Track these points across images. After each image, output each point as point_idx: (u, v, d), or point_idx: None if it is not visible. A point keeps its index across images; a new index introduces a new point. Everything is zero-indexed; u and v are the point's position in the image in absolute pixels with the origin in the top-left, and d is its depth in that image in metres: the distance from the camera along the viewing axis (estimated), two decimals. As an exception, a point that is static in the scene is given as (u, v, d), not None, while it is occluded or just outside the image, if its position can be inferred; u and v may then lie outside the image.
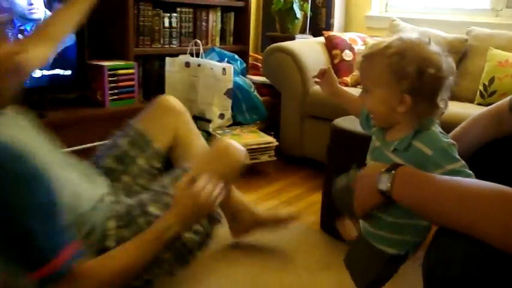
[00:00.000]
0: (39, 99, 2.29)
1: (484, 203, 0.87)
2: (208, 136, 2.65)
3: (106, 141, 1.69)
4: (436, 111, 1.10)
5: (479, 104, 2.55)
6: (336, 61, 2.99)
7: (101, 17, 2.71)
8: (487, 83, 2.59)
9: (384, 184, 1.03)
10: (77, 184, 1.32)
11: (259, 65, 3.42)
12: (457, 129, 1.41)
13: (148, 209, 1.39)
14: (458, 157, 1.05)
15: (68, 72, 2.40)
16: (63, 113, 2.37)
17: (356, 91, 2.68)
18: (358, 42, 3.11)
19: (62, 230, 1.09)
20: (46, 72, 2.30)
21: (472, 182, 0.96)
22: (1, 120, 1.19)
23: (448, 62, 1.08)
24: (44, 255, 1.04)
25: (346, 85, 2.91)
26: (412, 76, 1.04)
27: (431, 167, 1.04)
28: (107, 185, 1.48)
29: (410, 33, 1.17)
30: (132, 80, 2.63)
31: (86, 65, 2.50)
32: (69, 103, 2.52)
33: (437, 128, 1.10)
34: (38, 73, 2.27)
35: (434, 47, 1.09)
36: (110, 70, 2.51)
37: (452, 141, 1.08)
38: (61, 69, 2.37)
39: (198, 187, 1.30)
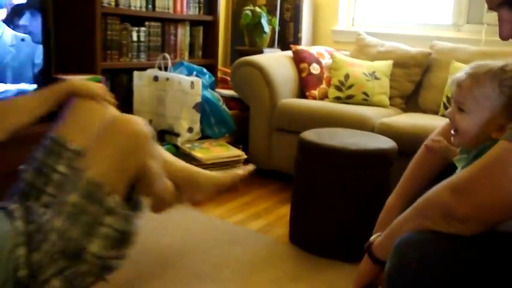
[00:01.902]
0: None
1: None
2: (177, 150, 2.64)
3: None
4: None
5: (443, 116, 2.62)
6: (304, 74, 3.02)
7: (68, 30, 2.69)
8: (449, 95, 2.66)
9: None
10: None
11: (228, 78, 3.43)
12: (406, 174, 1.43)
13: (54, 223, 1.25)
14: None
15: (34, 87, 2.37)
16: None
17: (322, 104, 2.73)
18: (325, 56, 3.15)
19: None
20: (10, 87, 2.27)
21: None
22: None
23: None
24: None
25: (314, 98, 2.95)
26: None
27: None
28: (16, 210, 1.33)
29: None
30: (99, 94, 2.60)
31: (52, 79, 2.47)
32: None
33: None
34: (1, 87, 2.23)
35: None
36: (76, 84, 2.48)
37: None
38: (26, 83, 2.33)
39: None
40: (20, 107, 1.45)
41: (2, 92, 2.24)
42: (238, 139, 2.99)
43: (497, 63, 1.07)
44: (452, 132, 1.16)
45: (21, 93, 2.31)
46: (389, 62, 2.97)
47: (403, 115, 2.74)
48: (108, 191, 1.28)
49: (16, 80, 2.29)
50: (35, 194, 1.42)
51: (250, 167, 1.94)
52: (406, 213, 1.08)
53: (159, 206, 1.66)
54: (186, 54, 3.37)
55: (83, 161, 1.32)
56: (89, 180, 1.26)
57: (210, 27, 3.49)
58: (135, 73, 2.86)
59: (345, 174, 1.91)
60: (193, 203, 1.84)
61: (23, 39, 2.29)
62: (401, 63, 2.96)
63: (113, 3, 2.80)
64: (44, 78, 2.40)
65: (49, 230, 1.25)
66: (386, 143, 2.03)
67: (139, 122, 1.38)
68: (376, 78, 2.90)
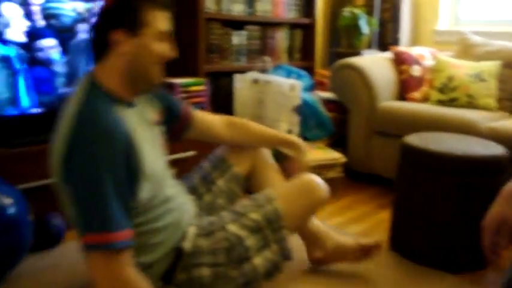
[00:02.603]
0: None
1: None
2: (277, 152, 2.68)
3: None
4: None
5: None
6: (404, 76, 2.95)
7: (174, 35, 2.82)
8: None
9: None
10: (179, 195, 1.52)
11: (326, 81, 3.44)
12: None
13: (228, 226, 1.48)
14: None
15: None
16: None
17: (425, 107, 2.65)
18: (426, 57, 3.06)
19: (127, 215, 1.23)
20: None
21: None
22: (131, 112, 1.34)
23: None
24: (101, 224, 1.17)
25: (415, 101, 2.87)
26: None
27: None
28: (193, 201, 1.63)
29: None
30: (203, 96, 2.71)
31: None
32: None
33: None
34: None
35: None
36: (182, 87, 2.60)
37: None
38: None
39: None
40: (261, 130, 1.77)
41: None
42: (337, 142, 2.99)
43: None
44: None
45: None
46: (498, 63, 2.82)
47: (513, 119, 2.60)
48: (284, 225, 1.50)
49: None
50: (196, 197, 1.69)
51: (379, 242, 1.80)
52: None
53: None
54: (285, 57, 3.41)
55: (273, 192, 1.55)
56: (276, 209, 1.49)
57: (308, 30, 3.51)
58: (236, 76, 2.94)
59: (452, 181, 1.85)
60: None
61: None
62: (511, 64, 2.80)
63: (215, 9, 2.90)
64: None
65: (219, 228, 1.46)
66: (496, 149, 1.94)
67: (326, 191, 1.62)
68: (482, 80, 2.76)
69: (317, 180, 1.60)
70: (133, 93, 1.37)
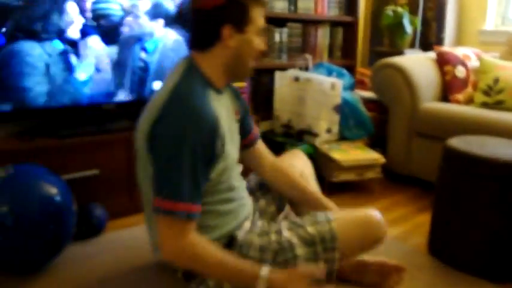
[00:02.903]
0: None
1: None
2: (315, 150, 2.68)
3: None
4: None
5: None
6: (448, 77, 2.90)
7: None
8: None
9: None
10: (242, 189, 1.61)
11: (366, 80, 3.40)
12: None
13: (282, 230, 1.51)
14: None
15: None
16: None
17: (469, 109, 2.59)
18: (471, 57, 2.99)
19: (198, 191, 1.33)
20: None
21: None
22: (219, 99, 1.45)
23: None
24: (171, 193, 1.28)
25: (458, 103, 2.81)
26: None
27: None
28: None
29: None
30: (244, 93, 2.72)
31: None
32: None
33: None
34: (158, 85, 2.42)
35: None
36: (223, 83, 2.61)
37: None
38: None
39: None
40: (303, 188, 1.76)
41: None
42: (376, 142, 2.96)
43: None
44: None
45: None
46: (546, 66, 2.74)
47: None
48: (337, 247, 1.48)
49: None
50: (253, 198, 1.76)
51: (402, 266, 1.74)
52: None
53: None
54: (325, 55, 3.39)
55: (333, 215, 1.55)
56: (332, 229, 1.48)
57: (350, 28, 3.47)
58: (277, 73, 2.94)
59: (495, 186, 1.80)
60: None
61: (179, 43, 2.46)
62: (560, 67, 2.71)
63: (258, 6, 2.90)
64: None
65: (274, 231, 1.51)
66: (543, 155, 1.88)
67: (385, 230, 1.58)
68: (530, 83, 2.69)
69: (379, 217, 1.57)
70: (227, 82, 1.49)
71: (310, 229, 1.49)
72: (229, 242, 1.49)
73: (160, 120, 1.32)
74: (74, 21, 2.08)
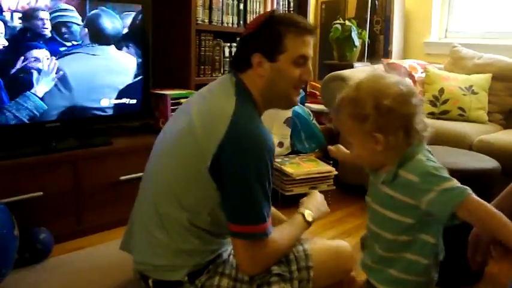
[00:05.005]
0: (106, 128, 2.39)
1: None
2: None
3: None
4: (416, 137, 1.11)
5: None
6: (396, 89, 2.95)
7: (164, 47, 2.81)
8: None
9: None
10: None
11: (317, 93, 3.43)
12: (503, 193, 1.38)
13: None
14: (447, 176, 1.05)
15: (134, 101, 2.49)
16: (128, 140, 2.44)
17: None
18: (418, 69, 3.07)
19: (269, 208, 1.32)
20: (114, 102, 2.40)
21: None
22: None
23: (407, 86, 1.11)
24: (256, 218, 1.28)
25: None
26: (371, 114, 1.09)
27: (422, 193, 1.05)
28: None
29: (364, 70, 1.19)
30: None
31: (150, 94, 2.59)
32: (134, 131, 2.61)
33: (425, 155, 1.11)
34: (106, 102, 2.36)
35: (388, 78, 1.12)
36: (173, 99, 2.57)
37: (438, 164, 1.08)
38: (127, 98, 2.46)
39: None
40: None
41: (107, 107, 2.37)
42: (328, 154, 2.96)
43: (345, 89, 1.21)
44: None
45: (123, 107, 2.44)
46: (488, 76, 2.84)
47: (504, 132, 2.61)
48: (311, 266, 1.45)
49: (118, 96, 2.42)
50: None
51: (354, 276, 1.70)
52: None
53: None
54: (276, 68, 3.39)
55: (306, 237, 1.54)
56: (305, 249, 1.46)
57: (299, 42, 3.49)
58: (227, 88, 2.92)
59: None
60: None
61: (125, 57, 2.42)
62: (501, 77, 2.82)
63: (206, 21, 2.89)
64: (143, 93, 2.53)
65: None
66: (487, 162, 1.94)
67: (353, 263, 1.54)
68: (474, 92, 2.78)
69: (349, 249, 1.56)
70: (266, 109, 1.45)
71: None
72: (213, 259, 1.42)
73: (224, 153, 1.27)
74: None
